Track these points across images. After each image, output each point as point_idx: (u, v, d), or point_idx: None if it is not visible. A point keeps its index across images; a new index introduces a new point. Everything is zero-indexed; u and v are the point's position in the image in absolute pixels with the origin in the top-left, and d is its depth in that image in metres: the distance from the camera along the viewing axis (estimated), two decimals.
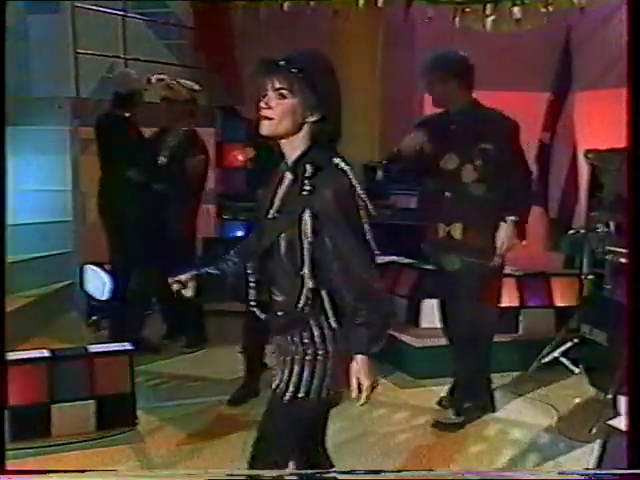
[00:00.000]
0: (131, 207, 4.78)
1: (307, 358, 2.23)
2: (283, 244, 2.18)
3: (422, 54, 3.94)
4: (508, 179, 3.74)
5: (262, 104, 2.16)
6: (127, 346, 3.97)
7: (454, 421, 3.97)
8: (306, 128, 2.18)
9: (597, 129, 6.27)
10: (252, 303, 2.30)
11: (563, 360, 4.68)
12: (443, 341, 4.85)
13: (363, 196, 2.13)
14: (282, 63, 2.14)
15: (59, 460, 3.54)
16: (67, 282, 5.53)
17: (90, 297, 5.50)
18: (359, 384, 2.15)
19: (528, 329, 5.02)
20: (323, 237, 2.13)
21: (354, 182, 2.13)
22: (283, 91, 2.13)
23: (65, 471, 2.96)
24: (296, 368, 2.25)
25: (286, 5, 6.11)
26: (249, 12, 6.29)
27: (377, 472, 2.40)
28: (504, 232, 3.78)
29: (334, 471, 2.47)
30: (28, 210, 5.52)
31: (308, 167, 2.15)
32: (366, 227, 2.14)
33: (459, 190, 3.76)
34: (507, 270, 5.25)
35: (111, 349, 3.97)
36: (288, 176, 2.21)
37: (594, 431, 3.74)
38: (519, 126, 3.84)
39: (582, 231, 4.78)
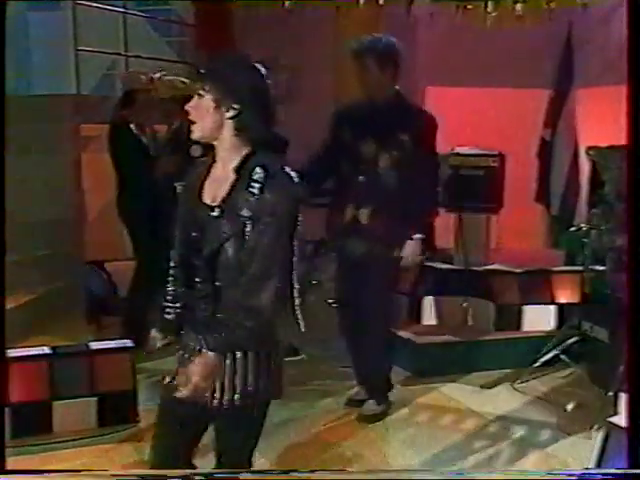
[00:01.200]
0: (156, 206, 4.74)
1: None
2: (224, 244, 2.20)
3: (360, 38, 3.91)
4: (418, 173, 3.78)
5: (187, 107, 2.27)
6: (128, 343, 3.96)
7: (377, 411, 4.01)
8: (229, 125, 2.23)
9: (598, 126, 6.27)
10: (169, 297, 2.36)
11: (564, 357, 4.68)
12: (444, 338, 4.91)
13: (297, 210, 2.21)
14: (202, 70, 2.28)
15: (60, 457, 3.54)
16: (68, 281, 5.53)
17: (91, 295, 5.52)
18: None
19: (529, 326, 5.03)
20: (253, 240, 2.16)
21: (302, 193, 2.23)
22: (200, 91, 2.24)
23: (65, 471, 2.96)
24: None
25: (287, 3, 6.12)
26: (250, 9, 6.29)
27: (377, 472, 2.39)
28: (411, 249, 3.85)
29: (330, 470, 2.47)
30: (29, 208, 5.50)
31: (258, 170, 2.20)
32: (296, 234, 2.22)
33: (373, 176, 3.79)
34: (508, 267, 5.30)
35: (112, 346, 3.97)
36: (231, 176, 2.24)
37: (595, 428, 3.75)
38: (437, 123, 3.90)
39: (583, 228, 4.77)
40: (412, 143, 3.77)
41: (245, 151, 2.24)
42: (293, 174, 2.23)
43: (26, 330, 4.71)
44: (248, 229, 2.16)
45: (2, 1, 2.32)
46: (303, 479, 2.68)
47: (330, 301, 4.96)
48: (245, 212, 2.16)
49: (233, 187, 2.22)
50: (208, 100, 2.22)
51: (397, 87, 3.88)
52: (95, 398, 3.80)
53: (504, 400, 4.35)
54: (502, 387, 4.51)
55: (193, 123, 2.26)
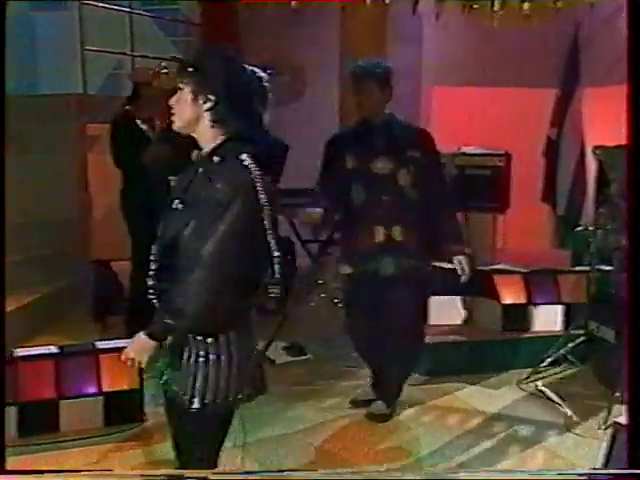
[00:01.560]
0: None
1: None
2: (184, 234, 2.19)
3: (357, 61, 4.00)
4: (437, 186, 3.89)
5: (170, 102, 2.31)
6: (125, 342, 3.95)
7: (386, 412, 4.02)
8: (206, 117, 2.25)
9: (605, 125, 6.25)
10: (151, 292, 2.32)
11: (571, 357, 4.67)
12: (452, 338, 4.90)
13: (262, 195, 2.18)
14: (178, 61, 2.37)
15: (67, 456, 3.54)
16: (74, 280, 5.54)
17: (97, 295, 5.52)
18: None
19: (536, 326, 5.02)
20: (209, 227, 2.14)
21: (256, 180, 2.17)
22: (180, 84, 2.28)
23: (65, 471, 2.96)
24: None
25: (293, 3, 6.12)
26: (256, 9, 6.29)
27: (369, 472, 2.38)
28: (467, 264, 3.85)
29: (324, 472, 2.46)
30: (35, 208, 5.53)
31: (215, 159, 2.22)
32: (266, 224, 2.20)
33: (396, 193, 3.81)
34: (514, 267, 5.29)
35: (119, 345, 3.95)
36: (199, 168, 2.26)
37: (602, 428, 3.74)
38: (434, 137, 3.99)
39: (590, 228, 4.76)
40: (423, 158, 3.84)
41: (218, 142, 2.26)
42: (248, 162, 2.20)
43: (32, 330, 4.72)
44: (202, 218, 2.15)
45: (2, 1, 2.32)
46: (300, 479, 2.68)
47: (336, 301, 4.98)
48: (197, 201, 2.18)
49: (195, 176, 2.26)
50: (187, 92, 2.25)
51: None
52: (102, 397, 3.82)
53: (510, 400, 4.34)
54: (508, 387, 4.49)
55: (173, 115, 2.29)
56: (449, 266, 5.33)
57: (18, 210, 5.42)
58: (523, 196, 6.45)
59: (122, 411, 3.84)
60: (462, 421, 4.06)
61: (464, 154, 6.25)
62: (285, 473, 2.78)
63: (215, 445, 2.38)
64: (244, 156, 2.21)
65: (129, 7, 5.78)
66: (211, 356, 2.23)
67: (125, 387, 3.85)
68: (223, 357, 2.23)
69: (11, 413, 3.55)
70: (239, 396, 2.28)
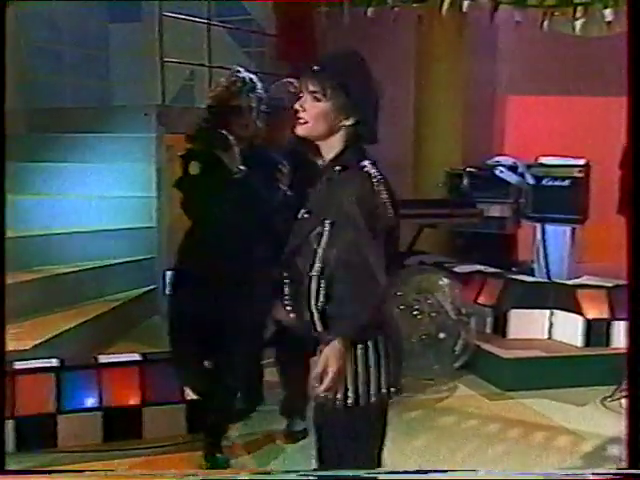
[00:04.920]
0: None
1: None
2: (308, 243, 2.16)
3: None
4: None
5: (297, 106, 2.19)
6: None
7: (302, 427, 3.79)
8: (342, 131, 2.18)
9: None
10: (287, 302, 2.25)
11: None
12: (532, 353, 4.78)
13: (386, 201, 2.12)
14: (316, 68, 2.17)
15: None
16: (151, 287, 5.59)
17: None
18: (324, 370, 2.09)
19: (618, 342, 4.87)
20: (337, 237, 2.11)
21: (376, 186, 2.11)
22: (317, 94, 2.16)
23: (65, 471, 2.93)
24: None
25: (370, 11, 6.11)
26: (332, 18, 6.29)
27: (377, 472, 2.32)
28: None
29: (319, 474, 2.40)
30: (113, 216, 5.60)
31: (337, 168, 2.16)
32: (379, 230, 2.11)
33: None
34: (597, 282, 5.15)
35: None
36: (323, 177, 2.21)
37: None
38: None
39: None
40: None
41: (338, 149, 2.19)
42: (370, 167, 2.13)
43: (111, 337, 4.77)
44: (327, 228, 2.11)
45: (2, 1, 2.33)
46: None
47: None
48: (324, 211, 2.13)
49: (318, 190, 2.20)
50: (328, 105, 2.15)
51: None
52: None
53: (595, 418, 4.21)
54: (593, 404, 4.36)
55: (301, 121, 2.18)
56: (529, 279, 5.28)
57: (98, 217, 5.53)
58: (602, 208, 6.28)
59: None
60: (549, 438, 3.96)
61: (542, 165, 6.12)
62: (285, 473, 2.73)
63: (376, 443, 2.32)
64: (366, 162, 2.15)
65: (207, 18, 5.83)
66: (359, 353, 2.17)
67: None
68: (372, 355, 2.17)
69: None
70: (393, 390, 2.23)
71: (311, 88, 2.17)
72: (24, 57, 6.96)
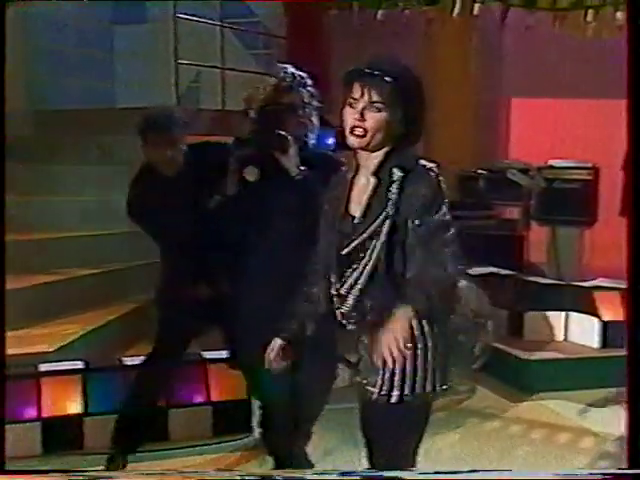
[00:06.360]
0: None
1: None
2: (370, 247, 2.12)
3: None
4: None
5: (355, 115, 2.08)
6: None
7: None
8: (388, 137, 2.12)
9: None
10: (343, 311, 2.22)
11: None
12: (550, 354, 4.79)
13: (446, 198, 2.10)
14: (377, 73, 2.05)
15: None
16: None
17: None
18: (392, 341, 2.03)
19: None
20: (402, 237, 2.09)
21: (442, 181, 2.08)
22: (379, 104, 2.06)
23: (65, 471, 2.91)
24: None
25: (380, 13, 6.11)
26: (342, 21, 6.29)
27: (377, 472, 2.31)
28: None
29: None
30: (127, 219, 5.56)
31: (396, 171, 2.09)
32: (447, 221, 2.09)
33: None
34: (611, 283, 5.16)
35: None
36: (371, 181, 2.14)
37: None
38: None
39: None
40: None
41: (384, 150, 2.13)
42: (430, 166, 2.10)
43: (132, 338, 4.74)
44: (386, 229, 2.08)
45: (2, 1, 2.30)
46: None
47: None
48: (393, 214, 2.09)
49: (374, 193, 2.13)
50: (388, 115, 2.07)
51: None
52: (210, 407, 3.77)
53: (616, 419, 4.21)
54: (615, 405, 4.37)
55: (359, 131, 2.08)
56: (544, 281, 5.29)
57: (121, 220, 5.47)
58: (609, 210, 6.31)
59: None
60: (573, 440, 3.96)
61: (552, 167, 6.14)
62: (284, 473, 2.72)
63: (417, 442, 2.29)
64: (423, 161, 2.12)
65: (219, 20, 5.82)
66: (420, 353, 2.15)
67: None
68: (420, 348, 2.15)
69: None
70: (443, 386, 2.22)
71: (375, 98, 2.06)
72: (29, 59, 6.91)
